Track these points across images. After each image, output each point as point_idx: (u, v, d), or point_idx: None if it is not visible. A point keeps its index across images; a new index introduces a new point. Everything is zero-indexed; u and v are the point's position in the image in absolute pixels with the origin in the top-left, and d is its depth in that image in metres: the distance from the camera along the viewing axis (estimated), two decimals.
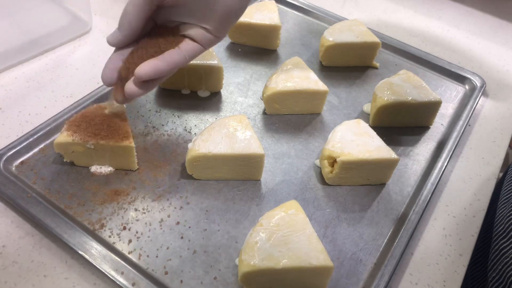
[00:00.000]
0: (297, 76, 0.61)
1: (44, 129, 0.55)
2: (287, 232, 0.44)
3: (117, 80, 0.46)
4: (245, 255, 0.42)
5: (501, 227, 0.55)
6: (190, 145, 0.52)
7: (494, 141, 0.65)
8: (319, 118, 0.64)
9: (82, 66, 0.67)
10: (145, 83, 0.45)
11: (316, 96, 0.62)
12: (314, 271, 0.42)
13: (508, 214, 0.54)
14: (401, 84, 0.62)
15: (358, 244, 0.49)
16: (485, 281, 0.56)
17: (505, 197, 0.58)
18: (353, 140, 0.54)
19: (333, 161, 0.53)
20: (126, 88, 0.45)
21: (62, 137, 0.50)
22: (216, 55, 0.63)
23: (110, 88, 0.48)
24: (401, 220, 0.51)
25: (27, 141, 0.53)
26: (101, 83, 0.62)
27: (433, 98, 0.61)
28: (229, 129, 0.53)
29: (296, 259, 0.41)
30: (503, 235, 0.54)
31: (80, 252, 0.44)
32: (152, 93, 0.63)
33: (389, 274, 0.46)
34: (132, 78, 0.45)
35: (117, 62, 0.46)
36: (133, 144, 0.50)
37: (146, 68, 0.43)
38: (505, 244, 0.53)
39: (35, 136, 0.54)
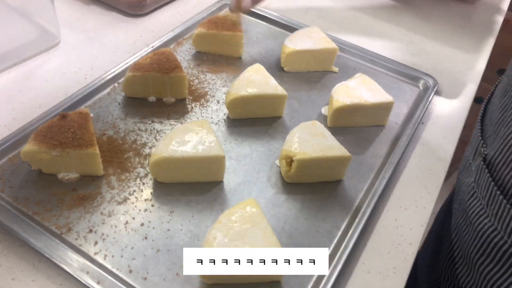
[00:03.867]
0: (258, 82, 0.65)
1: (12, 139, 0.57)
2: (244, 227, 0.46)
3: None
4: None
5: (462, 165, 0.64)
6: (153, 149, 0.55)
7: (445, 137, 0.69)
8: (281, 121, 0.67)
9: (51, 78, 0.69)
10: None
11: (276, 100, 0.65)
12: None
13: (467, 155, 0.62)
14: (356, 87, 0.66)
15: (315, 237, 0.52)
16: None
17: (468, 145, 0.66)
18: (309, 140, 0.57)
19: (290, 160, 0.56)
20: (244, 2, 0.72)
21: (29, 146, 0.52)
22: (180, 63, 0.66)
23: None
24: (355, 213, 0.55)
25: None
26: (69, 94, 0.65)
27: (386, 99, 0.65)
28: (191, 133, 0.55)
29: None
30: (463, 171, 0.62)
31: (46, 255, 0.46)
32: (119, 101, 0.65)
33: (342, 263, 0.49)
34: None
35: None
36: (97, 151, 0.53)
37: None
38: (463, 177, 0.60)
39: (3, 146, 0.56)
